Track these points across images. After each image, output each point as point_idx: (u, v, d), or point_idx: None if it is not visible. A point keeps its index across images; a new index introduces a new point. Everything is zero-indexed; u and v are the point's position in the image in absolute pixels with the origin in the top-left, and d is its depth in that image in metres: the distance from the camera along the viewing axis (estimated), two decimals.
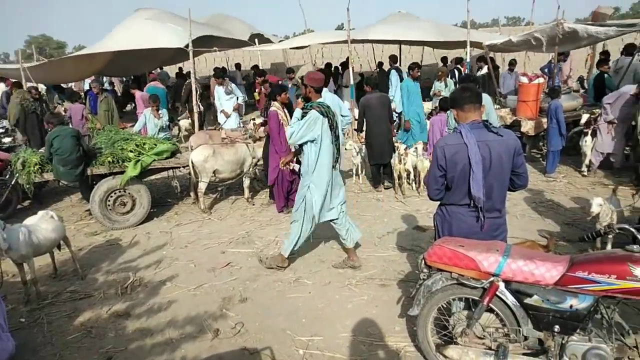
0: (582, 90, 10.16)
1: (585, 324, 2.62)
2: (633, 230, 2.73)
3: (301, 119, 4.29)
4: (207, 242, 5.58)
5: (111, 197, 6.09)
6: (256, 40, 12.31)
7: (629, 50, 9.04)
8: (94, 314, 4.10)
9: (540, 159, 8.34)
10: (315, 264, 4.83)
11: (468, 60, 11.25)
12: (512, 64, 11.80)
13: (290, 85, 12.02)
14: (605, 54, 11.10)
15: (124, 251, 5.47)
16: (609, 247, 4.40)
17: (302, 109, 4.36)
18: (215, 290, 4.41)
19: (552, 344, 2.67)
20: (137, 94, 10.42)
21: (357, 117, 9.07)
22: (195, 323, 3.86)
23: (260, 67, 12.49)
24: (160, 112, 8.15)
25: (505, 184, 2.98)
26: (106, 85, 17.35)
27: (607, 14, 13.98)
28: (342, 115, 6.18)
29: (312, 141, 4.28)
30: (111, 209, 6.11)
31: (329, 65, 15.06)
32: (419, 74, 7.96)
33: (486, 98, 6.31)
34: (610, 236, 4.28)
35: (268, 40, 15.05)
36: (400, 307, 3.88)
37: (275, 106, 6.11)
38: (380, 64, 14.46)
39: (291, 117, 4.89)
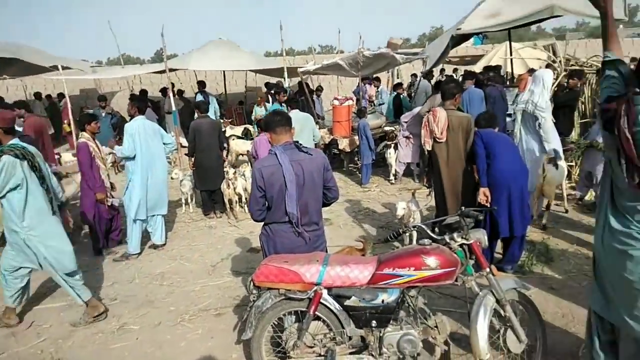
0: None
1: (396, 314, 2.94)
2: (424, 226, 3.18)
3: None
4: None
5: None
6: (60, 66, 10.94)
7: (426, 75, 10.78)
8: None
9: (357, 172, 9.24)
10: (142, 305, 4.43)
11: (288, 85, 11.92)
12: (319, 90, 13.03)
13: (104, 114, 11.08)
14: (378, 80, 13.21)
15: None
16: (413, 243, 5.08)
17: None
18: (18, 358, 3.70)
19: (372, 339, 2.92)
20: None
21: (183, 144, 8.81)
22: None
23: (68, 95, 11.19)
24: None
25: (319, 198, 3.20)
26: None
27: (397, 44, 16.45)
28: (164, 143, 5.92)
29: (15, 188, 3.72)
30: None
31: (144, 92, 14.32)
32: (285, 97, 8.11)
33: (309, 118, 6.78)
34: (407, 234, 4.96)
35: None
36: (237, 334, 3.80)
37: (85, 137, 5.59)
38: (180, 92, 14.36)
39: None
